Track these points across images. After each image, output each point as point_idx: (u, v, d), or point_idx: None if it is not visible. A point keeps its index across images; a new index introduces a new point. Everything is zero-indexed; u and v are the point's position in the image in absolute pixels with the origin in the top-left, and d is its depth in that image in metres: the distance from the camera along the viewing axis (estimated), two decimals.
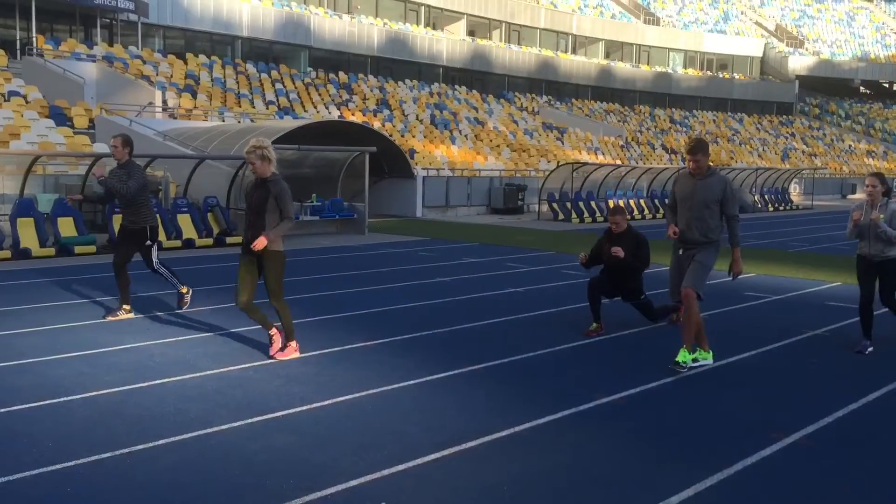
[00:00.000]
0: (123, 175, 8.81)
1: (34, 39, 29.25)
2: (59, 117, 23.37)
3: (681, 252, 7.44)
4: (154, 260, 9.02)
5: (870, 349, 7.87)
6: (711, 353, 7.31)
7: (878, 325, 9.39)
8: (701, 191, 7.17)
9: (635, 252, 8.44)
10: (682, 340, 7.15)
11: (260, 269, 7.14)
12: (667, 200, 7.83)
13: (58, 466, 4.70)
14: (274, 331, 7.37)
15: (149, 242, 8.95)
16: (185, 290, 9.17)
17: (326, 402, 6.02)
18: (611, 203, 27.20)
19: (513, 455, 5.06)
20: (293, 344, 7.35)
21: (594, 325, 8.59)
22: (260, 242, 6.90)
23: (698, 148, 7.20)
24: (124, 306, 8.99)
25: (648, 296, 8.88)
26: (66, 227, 14.88)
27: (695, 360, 7.12)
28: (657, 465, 4.93)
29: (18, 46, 29.99)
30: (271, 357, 7.24)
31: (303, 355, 7.40)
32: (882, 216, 7.55)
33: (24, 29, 30.55)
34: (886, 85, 75.39)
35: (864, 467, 4.98)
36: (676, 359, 7.04)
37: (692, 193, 7.23)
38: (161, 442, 5.14)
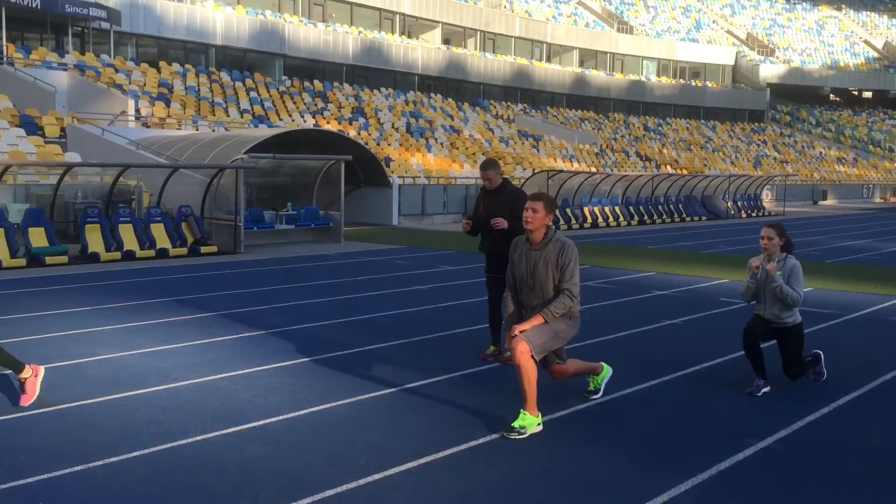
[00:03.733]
0: None
1: (4, 48, 28.92)
2: (30, 126, 23.11)
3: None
4: None
5: (765, 389, 6.64)
6: (539, 417, 5.70)
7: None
8: (541, 265, 5.73)
9: (514, 211, 7.14)
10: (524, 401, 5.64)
11: None
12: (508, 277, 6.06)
13: (29, 480, 4.64)
14: (27, 371, 6.07)
15: None
16: None
17: (302, 412, 6.00)
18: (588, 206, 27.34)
19: (489, 463, 5.07)
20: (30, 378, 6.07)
21: (492, 347, 7.65)
22: None
23: (544, 198, 5.79)
24: None
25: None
26: (38, 237, 14.70)
27: (522, 427, 5.55)
28: (633, 471, 4.96)
29: None
30: (21, 406, 5.99)
31: (278, 365, 7.37)
32: (780, 271, 6.61)
33: None
34: (855, 92, 76.61)
35: (836, 471, 5.04)
36: (513, 423, 5.59)
37: (533, 269, 5.76)
38: (135, 454, 5.09)
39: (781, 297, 6.56)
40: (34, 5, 29.71)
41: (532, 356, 5.55)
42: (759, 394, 6.59)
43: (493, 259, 7.62)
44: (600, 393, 6.46)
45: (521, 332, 5.59)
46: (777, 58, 70.74)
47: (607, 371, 6.52)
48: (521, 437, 5.50)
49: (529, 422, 5.60)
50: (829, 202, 49.34)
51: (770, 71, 68.22)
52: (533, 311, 5.79)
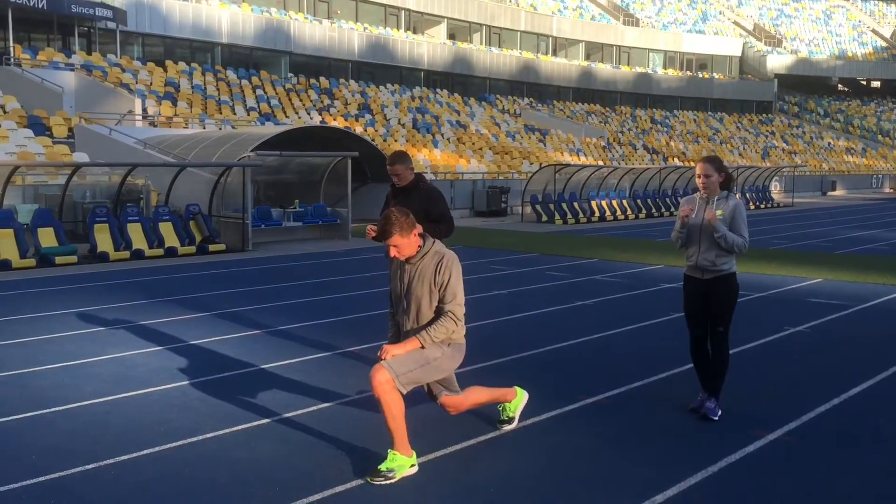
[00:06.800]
0: None
1: (11, 49, 29.03)
2: (38, 127, 23.21)
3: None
4: None
5: (709, 404, 5.85)
6: (413, 457, 4.87)
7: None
8: (416, 281, 4.92)
9: (427, 214, 6.35)
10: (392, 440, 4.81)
11: None
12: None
13: (41, 479, 4.67)
14: None
15: None
16: None
17: (311, 409, 6.01)
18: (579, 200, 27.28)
19: (498, 457, 5.07)
20: None
21: None
22: None
23: (391, 227, 4.81)
24: None
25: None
26: (47, 237, 14.76)
27: (389, 471, 4.71)
28: (642, 464, 4.96)
29: None
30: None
31: (287, 362, 7.38)
32: (721, 213, 5.68)
33: (1, 38, 30.29)
34: (864, 82, 76.17)
35: (845, 462, 5.02)
36: (379, 466, 4.74)
37: (408, 286, 4.99)
38: (145, 452, 5.11)
39: (727, 247, 5.63)
40: (40, 6, 29.78)
41: (397, 388, 4.71)
42: (703, 409, 5.81)
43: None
44: (514, 423, 5.58)
45: (391, 356, 4.75)
46: (784, 48, 70.38)
47: (522, 397, 5.62)
48: (388, 482, 4.65)
49: (400, 463, 4.74)
50: (839, 193, 49.11)
51: (777, 62, 67.89)
52: (408, 335, 4.94)
